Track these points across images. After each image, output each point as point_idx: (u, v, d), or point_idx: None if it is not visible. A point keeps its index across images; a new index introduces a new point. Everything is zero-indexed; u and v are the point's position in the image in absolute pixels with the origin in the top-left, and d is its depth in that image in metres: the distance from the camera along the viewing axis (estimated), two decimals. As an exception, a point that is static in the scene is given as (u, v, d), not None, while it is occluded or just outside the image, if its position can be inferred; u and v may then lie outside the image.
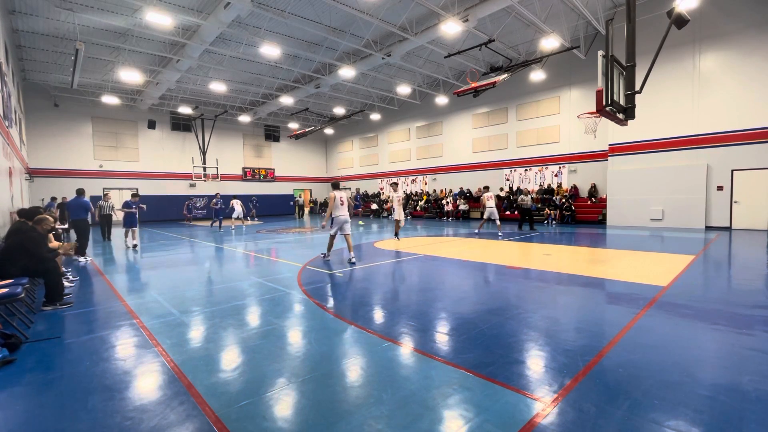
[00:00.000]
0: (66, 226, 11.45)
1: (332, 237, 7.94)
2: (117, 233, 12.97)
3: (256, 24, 14.16)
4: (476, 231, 13.70)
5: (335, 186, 8.01)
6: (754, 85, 12.39)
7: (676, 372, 2.83)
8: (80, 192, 9.51)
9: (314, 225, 19.18)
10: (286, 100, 21.76)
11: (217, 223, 17.14)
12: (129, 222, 11.14)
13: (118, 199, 23.02)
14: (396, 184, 12.22)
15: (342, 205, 7.72)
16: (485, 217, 12.67)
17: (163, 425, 2.28)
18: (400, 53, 15.67)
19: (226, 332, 3.89)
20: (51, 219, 5.88)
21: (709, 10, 12.94)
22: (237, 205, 17.76)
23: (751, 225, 12.66)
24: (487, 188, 13.61)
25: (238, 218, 18.20)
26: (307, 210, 31.31)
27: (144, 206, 12.01)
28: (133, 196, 11.61)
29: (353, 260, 7.62)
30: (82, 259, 8.57)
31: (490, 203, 12.55)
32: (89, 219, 9.10)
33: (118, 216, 13.38)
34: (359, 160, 30.88)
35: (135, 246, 10.94)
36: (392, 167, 27.95)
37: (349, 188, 24.56)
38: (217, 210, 16.48)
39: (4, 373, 3.07)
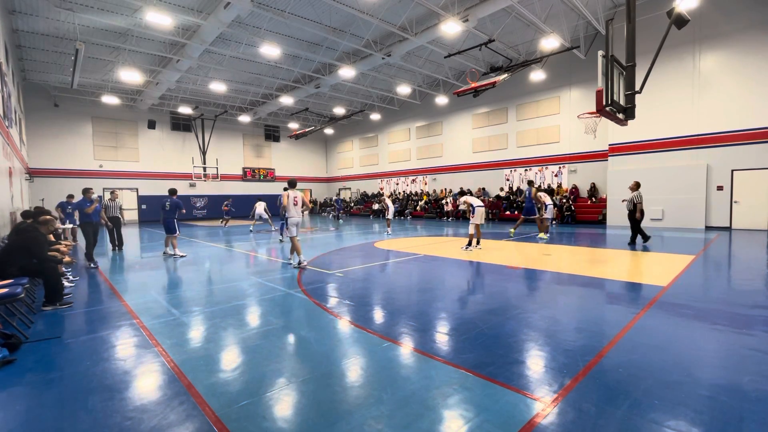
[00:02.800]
0: (70, 226, 11.40)
1: (294, 238, 7.39)
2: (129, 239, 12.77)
3: (256, 24, 14.16)
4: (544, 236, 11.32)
5: (291, 185, 7.47)
6: (754, 85, 12.39)
7: (676, 372, 2.83)
8: (83, 191, 8.33)
9: (314, 225, 19.19)
10: (286, 100, 21.77)
11: (278, 229, 13.30)
12: (171, 227, 9.08)
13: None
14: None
15: (296, 205, 7.33)
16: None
17: (163, 425, 2.28)
18: (400, 53, 15.66)
19: (226, 332, 3.89)
20: (57, 224, 5.88)
21: (709, 10, 12.94)
22: (260, 207, 15.95)
23: (751, 225, 12.66)
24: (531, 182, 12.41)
25: (260, 219, 16.03)
26: (306, 210, 31.31)
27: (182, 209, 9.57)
28: (172, 192, 9.30)
29: (302, 263, 7.26)
30: (90, 264, 7.92)
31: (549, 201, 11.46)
32: (86, 220, 8.01)
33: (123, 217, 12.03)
34: (359, 160, 30.88)
35: (182, 255, 8.97)
36: (392, 167, 27.96)
37: (533, 182, 16.30)
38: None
39: (4, 373, 3.07)
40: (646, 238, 9.60)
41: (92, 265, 7.86)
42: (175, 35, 14.09)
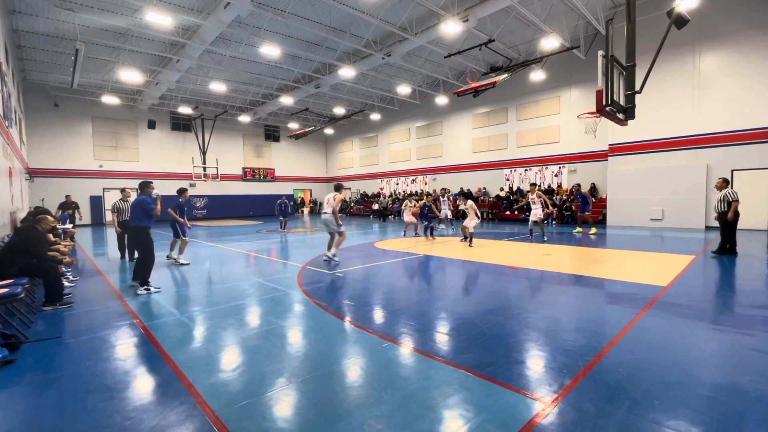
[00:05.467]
0: (70, 226, 11.38)
1: (338, 233, 7.80)
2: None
3: (256, 24, 14.15)
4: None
5: (336, 188, 7.90)
6: (754, 85, 12.38)
7: (676, 372, 2.83)
8: (141, 186, 6.14)
9: (314, 225, 19.18)
10: (286, 100, 21.76)
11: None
12: (177, 230, 8.26)
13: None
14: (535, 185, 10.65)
15: (328, 204, 7.80)
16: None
17: (163, 425, 2.28)
18: (400, 53, 15.66)
19: (226, 332, 3.89)
20: (51, 218, 5.88)
21: (709, 10, 12.93)
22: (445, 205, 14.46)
23: (751, 225, 12.64)
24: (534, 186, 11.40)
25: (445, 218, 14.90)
26: (306, 210, 31.31)
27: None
28: (181, 192, 8.44)
29: (330, 258, 7.58)
30: (142, 290, 5.63)
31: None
32: (139, 223, 5.91)
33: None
34: (359, 160, 30.88)
35: (183, 263, 7.98)
36: (392, 167, 27.95)
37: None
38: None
39: (4, 373, 3.07)
40: (734, 249, 7.94)
41: (146, 289, 5.65)
42: (175, 35, 14.08)
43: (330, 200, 7.77)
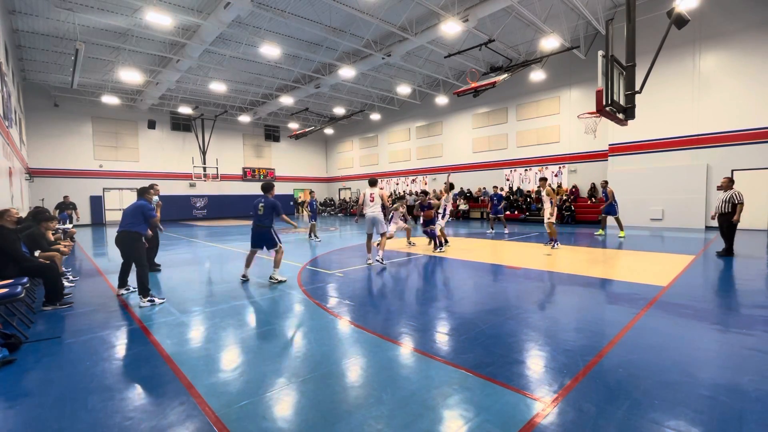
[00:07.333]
0: (70, 226, 11.38)
1: (368, 236, 7.65)
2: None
3: (256, 24, 14.16)
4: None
5: (371, 183, 7.62)
6: (754, 85, 12.38)
7: (675, 372, 2.83)
8: (141, 192, 5.49)
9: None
10: (286, 100, 21.77)
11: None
12: (270, 239, 6.30)
13: (118, 200, 23.04)
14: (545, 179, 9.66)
15: (372, 202, 7.34)
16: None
17: (163, 425, 2.28)
18: (400, 53, 15.66)
19: (226, 332, 3.89)
20: (14, 211, 5.11)
21: (709, 10, 12.93)
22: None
23: (751, 225, 12.64)
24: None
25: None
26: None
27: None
28: (266, 189, 6.34)
29: (373, 260, 7.39)
30: (145, 301, 4.91)
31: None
32: (137, 229, 5.17)
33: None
34: (359, 160, 30.89)
35: (281, 280, 6.15)
36: (392, 167, 27.96)
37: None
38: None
39: (4, 373, 3.07)
40: (731, 250, 7.77)
41: (149, 300, 4.97)
42: (175, 35, 14.09)
43: (375, 196, 7.31)
